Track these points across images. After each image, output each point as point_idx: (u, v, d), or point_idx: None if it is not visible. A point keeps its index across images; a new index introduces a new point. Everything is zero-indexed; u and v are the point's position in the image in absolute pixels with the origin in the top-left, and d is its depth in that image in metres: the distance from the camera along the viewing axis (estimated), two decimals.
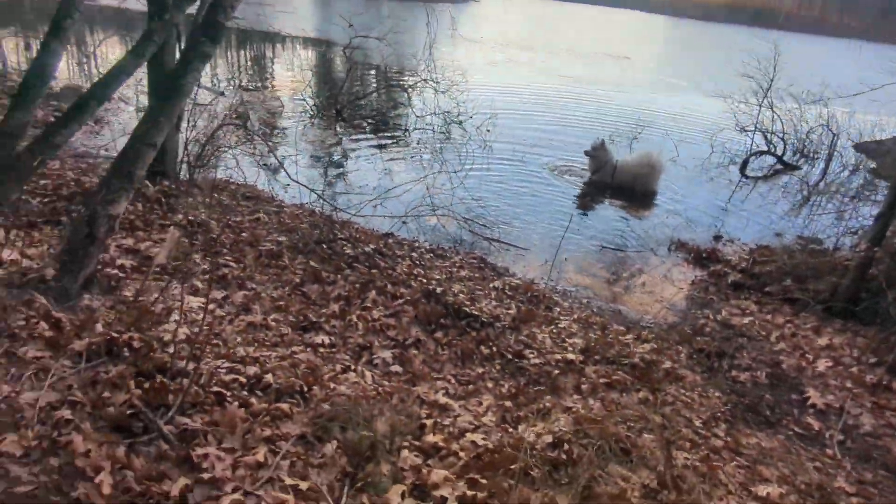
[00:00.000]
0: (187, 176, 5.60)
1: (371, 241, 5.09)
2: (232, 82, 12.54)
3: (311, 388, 2.74)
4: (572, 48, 29.61)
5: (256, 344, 3.16)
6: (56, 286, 2.91)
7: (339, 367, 3.09)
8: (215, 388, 2.47)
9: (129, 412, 2.15)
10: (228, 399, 2.44)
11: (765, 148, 10.77)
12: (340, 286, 4.07)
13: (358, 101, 11.75)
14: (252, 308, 3.60)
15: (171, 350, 2.62)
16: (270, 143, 6.71)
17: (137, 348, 2.53)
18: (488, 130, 10.08)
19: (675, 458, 2.67)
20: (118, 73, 4.85)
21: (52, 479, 1.84)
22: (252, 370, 2.76)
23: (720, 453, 2.93)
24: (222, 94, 10.54)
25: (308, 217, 5.45)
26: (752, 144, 10.72)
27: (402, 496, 2.17)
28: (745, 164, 10.23)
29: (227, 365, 2.74)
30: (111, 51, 13.04)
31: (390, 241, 5.40)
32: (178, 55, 5.88)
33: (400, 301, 3.93)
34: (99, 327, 2.65)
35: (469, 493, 2.17)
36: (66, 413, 2.06)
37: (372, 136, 9.98)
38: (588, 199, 7.94)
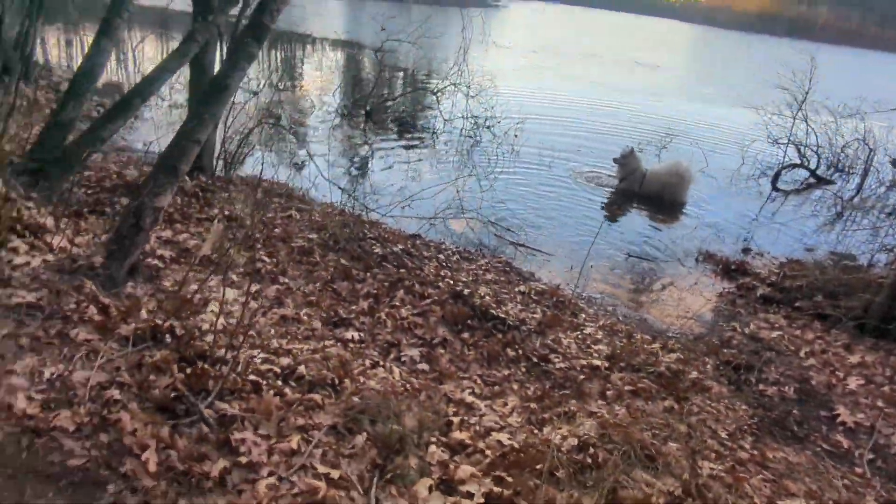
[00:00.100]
0: (223, 172, 5.76)
1: (399, 241, 5.17)
2: (265, 82, 12.82)
3: (342, 381, 2.81)
4: (602, 55, 29.46)
5: (289, 336, 3.25)
6: (103, 273, 3.04)
7: (368, 363, 3.16)
8: (252, 377, 2.56)
9: (172, 395, 2.24)
10: (264, 388, 2.53)
11: (798, 161, 10.57)
12: (370, 284, 4.16)
13: (387, 103, 11.90)
14: (285, 302, 3.70)
15: (211, 338, 2.73)
16: (305, 143, 6.84)
17: (180, 335, 2.63)
18: (516, 135, 10.11)
19: (701, 467, 2.67)
20: (162, 72, 5.05)
21: (102, 455, 1.94)
22: (285, 361, 2.85)
23: (746, 465, 2.92)
24: (256, 93, 10.79)
25: (338, 216, 5.55)
26: (784, 157, 10.54)
27: (430, 490, 2.22)
28: (776, 176, 10.06)
29: (262, 355, 2.83)
30: (149, 49, 13.46)
31: (417, 242, 5.47)
32: (218, 55, 6.09)
33: (428, 301, 4.00)
34: (143, 314, 2.77)
35: (496, 489, 2.21)
36: (114, 393, 2.17)
37: (400, 138, 10.10)
38: (615, 207, 7.91)
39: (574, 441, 2.61)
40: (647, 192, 8.11)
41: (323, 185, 6.38)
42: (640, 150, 8.91)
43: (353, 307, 3.80)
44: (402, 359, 3.34)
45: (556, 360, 3.61)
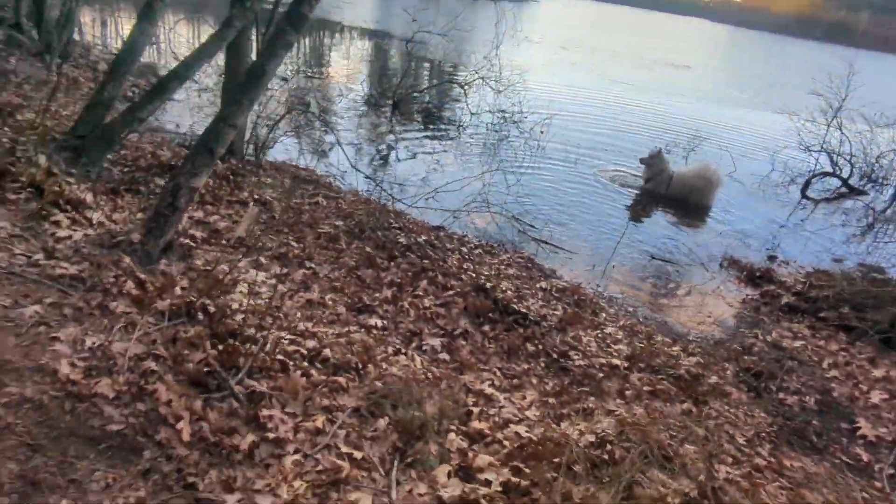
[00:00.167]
0: (253, 156, 5.86)
1: (423, 232, 5.21)
2: (295, 69, 12.93)
3: (365, 365, 2.88)
4: (632, 53, 29.06)
5: (315, 320, 3.32)
6: (140, 249, 3.14)
7: (390, 350, 3.22)
8: (279, 357, 2.63)
9: (205, 370, 2.33)
10: (291, 368, 2.60)
11: (830, 169, 10.34)
12: (393, 273, 4.21)
13: (414, 94, 11.92)
14: (311, 286, 3.78)
15: (241, 318, 2.81)
16: (332, 131, 6.92)
17: (212, 313, 2.72)
18: (542, 132, 10.06)
19: (717, 471, 2.68)
20: (199, 56, 5.15)
21: (139, 422, 2.03)
22: (311, 343, 2.92)
23: (763, 472, 2.92)
24: (286, 80, 10.91)
25: (363, 204, 5.62)
26: (816, 165, 10.31)
27: (449, 476, 2.28)
28: (807, 184, 9.86)
29: (289, 336, 2.90)
30: (181, 31, 13.67)
31: (441, 233, 5.51)
32: (253, 41, 6.17)
33: (450, 292, 4.04)
34: (178, 290, 2.86)
35: (513, 479, 2.25)
36: (151, 364, 2.25)
37: (426, 129, 10.13)
38: (640, 207, 7.85)
39: (592, 437, 2.64)
40: (673, 195, 8.03)
41: (349, 173, 6.45)
42: (667, 151, 8.81)
43: (377, 295, 3.86)
44: (424, 348, 3.39)
45: (576, 357, 3.63)
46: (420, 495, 2.14)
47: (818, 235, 7.74)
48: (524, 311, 3.97)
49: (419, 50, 12.35)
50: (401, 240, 4.79)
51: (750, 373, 4.06)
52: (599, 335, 4.06)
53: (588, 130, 11.11)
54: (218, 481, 1.91)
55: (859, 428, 3.66)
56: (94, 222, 3.46)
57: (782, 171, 10.20)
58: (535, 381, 3.32)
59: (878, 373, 4.32)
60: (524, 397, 3.08)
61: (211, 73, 10.03)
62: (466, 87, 11.47)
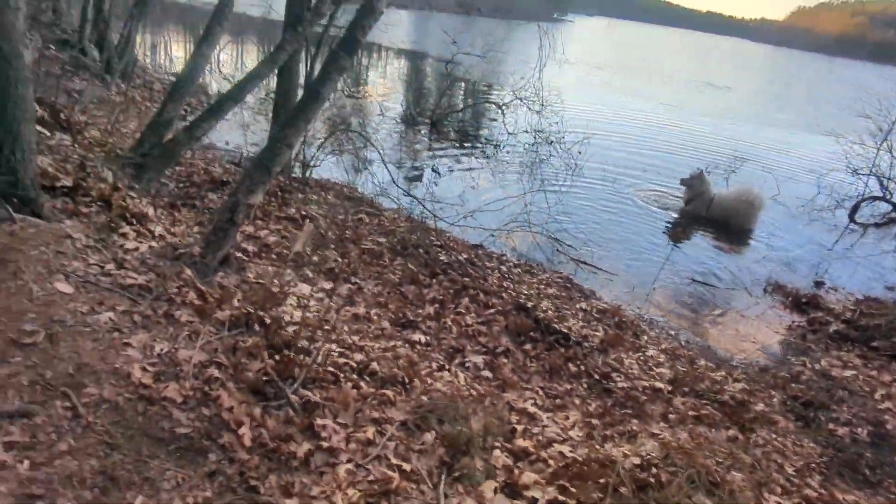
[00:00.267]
0: (300, 174, 6.07)
1: (463, 250, 5.29)
2: (337, 89, 13.33)
3: (411, 380, 2.94)
4: (670, 73, 28.83)
5: (361, 334, 3.42)
6: (199, 261, 3.30)
7: (434, 365, 3.28)
8: (330, 369, 2.72)
9: (263, 379, 2.43)
10: (342, 380, 2.69)
11: (879, 194, 10.00)
12: (435, 290, 4.29)
13: (452, 113, 12.12)
14: (356, 301, 3.89)
15: (294, 329, 2.92)
16: (373, 150, 7.11)
17: (268, 324, 2.84)
18: (580, 151, 10.08)
19: (767, 499, 2.63)
20: (253, 77, 5.41)
21: (204, 426, 2.14)
22: (359, 357, 3.01)
23: None
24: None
25: (405, 221, 5.74)
26: (865, 189, 10.00)
27: (495, 492, 2.30)
28: (855, 208, 9.56)
29: (338, 349, 3.00)
30: (229, 51, 14.25)
31: (480, 252, 5.58)
32: (303, 64, 6.43)
33: (491, 310, 4.09)
34: (236, 302, 3.00)
35: (560, 498, 2.27)
36: (214, 372, 2.37)
37: (464, 148, 10.28)
38: (680, 229, 7.76)
39: (637, 460, 2.62)
40: (714, 217, 7.92)
41: (390, 191, 6.60)
42: (707, 172, 8.71)
43: (420, 311, 3.94)
44: (467, 364, 3.44)
45: (618, 379, 3.62)
46: None
47: (868, 262, 7.49)
48: (565, 331, 3.99)
49: (456, 70, 12.58)
50: (442, 257, 4.87)
51: (798, 401, 3.95)
52: (641, 358, 4.03)
53: (626, 150, 11.07)
54: (277, 486, 2.00)
55: None
56: (157, 235, 3.65)
57: (828, 194, 9.91)
58: (577, 401, 3.32)
59: None
60: (567, 417, 3.09)
61: (255, 92, 10.43)
62: (504, 106, 11.60)
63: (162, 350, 2.41)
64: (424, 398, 2.79)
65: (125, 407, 2.09)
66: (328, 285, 4.02)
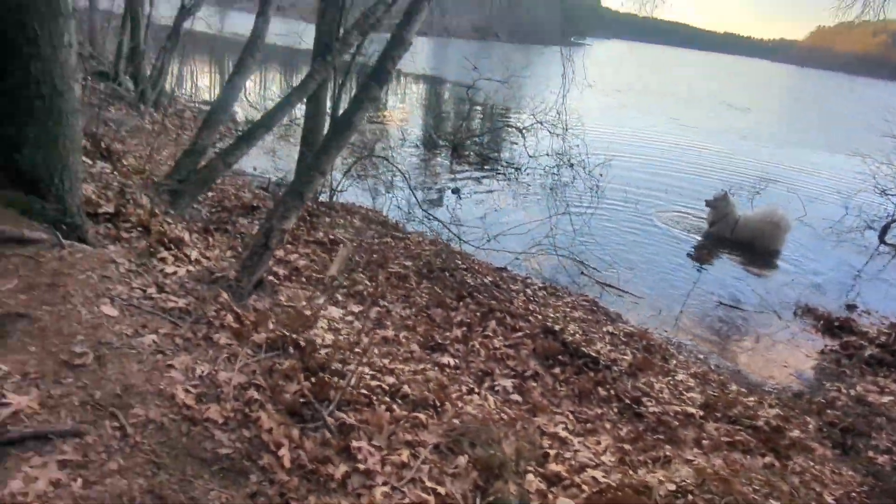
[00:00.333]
0: (328, 198, 6.21)
1: (488, 273, 5.33)
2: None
3: (442, 403, 2.96)
4: (689, 95, 28.84)
5: (390, 357, 3.45)
6: (235, 285, 3.40)
7: (464, 388, 3.30)
8: (363, 391, 2.76)
9: (300, 401, 2.48)
10: (375, 402, 2.72)
11: None
12: (462, 313, 4.32)
13: (473, 137, 12.28)
14: (384, 324, 3.93)
15: (326, 352, 2.97)
16: (396, 174, 7.24)
17: (303, 347, 2.90)
18: (601, 174, 10.10)
19: None
20: (284, 106, 5.59)
21: (245, 447, 2.19)
22: (390, 380, 3.04)
23: None
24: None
25: (430, 245, 5.81)
26: (895, 210, 9.81)
27: None
28: (885, 230, 9.37)
29: (370, 372, 3.04)
30: (255, 79, 14.70)
31: (504, 274, 5.61)
32: (330, 92, 6.63)
33: (519, 334, 4.10)
34: (270, 324, 3.07)
35: None
36: (253, 394, 2.43)
37: (485, 172, 10.39)
38: (705, 251, 7.69)
39: (672, 486, 2.60)
40: (739, 239, 7.84)
41: (414, 214, 6.71)
42: (731, 194, 8.65)
43: (448, 334, 3.97)
44: (496, 388, 3.45)
45: (649, 403, 3.58)
46: None
47: None
48: (594, 354, 3.97)
49: (476, 95, 12.77)
50: (468, 280, 4.91)
51: (835, 428, 3.86)
52: (671, 382, 3.99)
53: (647, 172, 11.07)
54: None
55: None
56: (193, 259, 3.76)
57: (857, 215, 9.75)
58: (608, 426, 3.29)
59: None
60: (598, 442, 3.07)
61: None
62: (524, 130, 11.71)
63: (203, 372, 2.47)
64: (456, 421, 2.81)
65: (170, 427, 2.14)
66: (357, 308, 4.08)
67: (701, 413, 3.58)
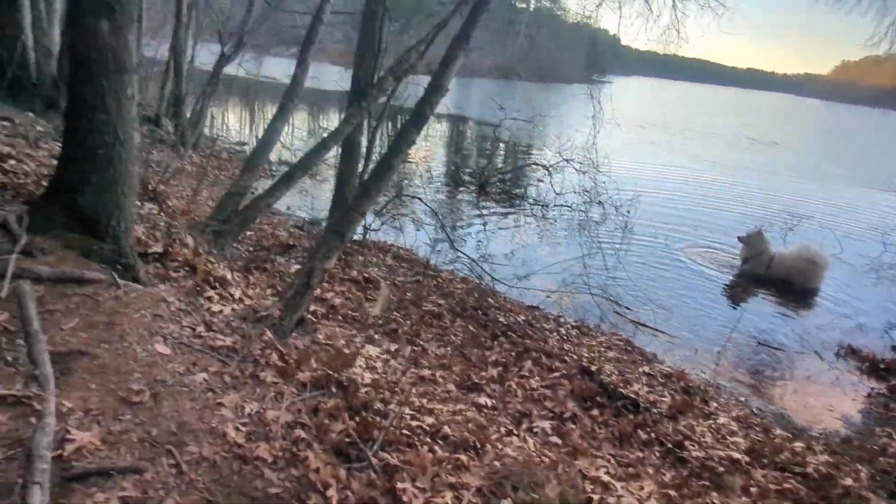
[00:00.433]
0: (361, 236, 6.34)
1: (521, 312, 5.34)
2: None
3: (482, 445, 2.95)
4: (714, 131, 28.80)
5: (428, 396, 3.47)
6: (278, 324, 3.48)
7: (503, 430, 3.28)
8: (405, 431, 2.78)
9: (346, 440, 2.51)
10: (416, 443, 2.73)
11: None
12: (497, 352, 4.32)
13: (499, 175, 12.45)
14: (420, 363, 3.96)
15: (367, 390, 3.01)
16: (426, 212, 7.37)
17: (346, 386, 2.94)
18: (628, 211, 10.10)
19: None
20: (321, 149, 5.79)
21: (293, 487, 2.22)
22: (429, 420, 3.05)
23: None
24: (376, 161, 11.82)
25: (461, 283, 5.85)
26: None
27: None
28: None
29: (409, 412, 3.06)
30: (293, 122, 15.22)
31: (536, 313, 5.60)
32: (365, 134, 6.86)
33: (555, 374, 4.07)
34: (313, 363, 3.13)
35: None
36: (300, 433, 2.47)
37: (512, 209, 10.48)
38: (739, 289, 7.56)
39: None
40: (774, 276, 7.70)
41: (445, 252, 6.79)
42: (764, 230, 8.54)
43: (484, 373, 3.97)
44: (535, 429, 3.42)
45: (692, 447, 3.49)
46: None
47: None
48: (633, 396, 3.91)
49: (501, 133, 13.01)
50: (501, 319, 4.92)
51: (889, 476, 3.70)
52: (713, 425, 3.89)
53: (675, 209, 11.03)
54: None
55: None
56: (236, 298, 3.87)
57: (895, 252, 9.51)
58: (651, 470, 3.22)
59: None
60: (642, 487, 3.00)
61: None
62: (551, 168, 11.84)
63: (252, 410, 2.53)
64: (497, 464, 2.79)
65: (222, 465, 2.19)
66: (393, 346, 4.12)
67: (747, 459, 3.48)
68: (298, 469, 2.29)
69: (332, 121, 18.72)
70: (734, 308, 6.90)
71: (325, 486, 2.24)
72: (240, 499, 2.09)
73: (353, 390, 2.92)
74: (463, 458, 2.75)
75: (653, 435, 3.58)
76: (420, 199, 6.45)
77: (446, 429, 2.96)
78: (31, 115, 5.66)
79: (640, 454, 3.39)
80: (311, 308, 4.34)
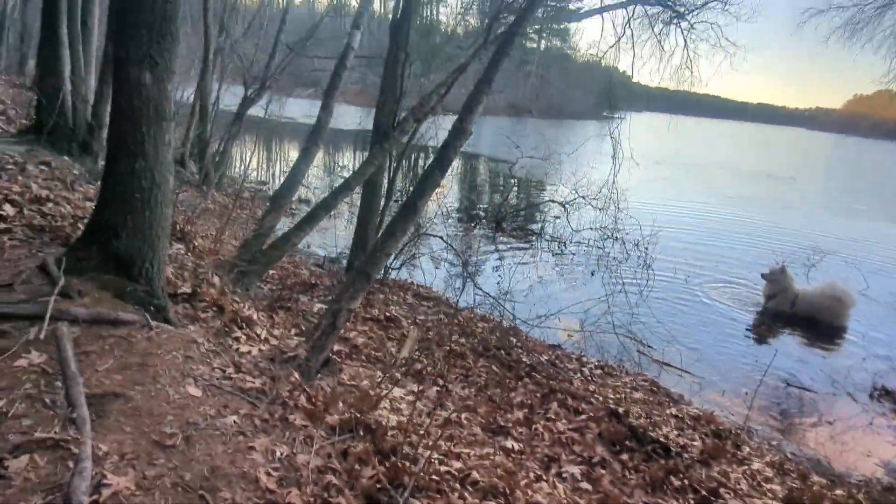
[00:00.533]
0: (382, 275, 6.38)
1: (543, 351, 5.28)
2: (403, 190, 14.17)
3: (512, 491, 2.89)
4: (729, 165, 28.81)
5: (454, 440, 3.42)
6: (304, 365, 3.49)
7: (531, 475, 3.21)
8: (434, 476, 2.74)
9: (377, 486, 2.48)
10: (446, 489, 2.69)
11: None
12: (522, 393, 4.27)
13: (516, 212, 12.52)
14: (445, 404, 3.92)
15: (395, 433, 2.98)
16: (445, 250, 7.42)
17: (374, 429, 2.92)
18: (646, 247, 10.06)
19: None
20: (344, 189, 5.91)
21: None
22: (457, 464, 3.00)
23: None
24: (397, 201, 11.99)
25: (482, 321, 5.83)
26: None
27: None
28: None
29: (437, 456, 3.01)
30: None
31: (558, 352, 5.54)
32: (386, 174, 6.99)
33: (582, 416, 4.00)
34: (341, 405, 3.12)
35: None
36: (331, 478, 2.44)
37: (529, 245, 10.49)
38: (764, 327, 7.42)
39: None
40: (799, 314, 7.56)
41: (464, 290, 6.77)
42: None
43: (509, 416, 3.91)
44: (564, 475, 3.34)
45: (727, 495, 3.38)
46: None
47: None
48: (663, 440, 3.82)
49: (516, 170, 13.15)
50: (524, 359, 4.88)
51: None
52: (747, 471, 3.77)
53: (694, 245, 10.97)
54: None
55: None
56: (262, 338, 3.90)
57: None
58: None
59: None
60: None
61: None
62: (567, 205, 11.89)
63: (282, 454, 2.52)
64: None
65: None
66: (417, 387, 4.09)
67: None
68: None
69: (347, 158, 19.12)
70: (760, 347, 6.76)
71: None
72: None
73: (382, 434, 2.89)
74: None
75: (686, 481, 3.48)
76: (441, 238, 6.52)
77: (475, 474, 2.91)
78: (67, 158, 5.88)
79: (675, 502, 3.29)
80: (335, 348, 4.35)
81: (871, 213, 17.68)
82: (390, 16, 7.14)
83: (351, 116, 17.80)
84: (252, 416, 2.77)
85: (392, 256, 6.12)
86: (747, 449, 4.23)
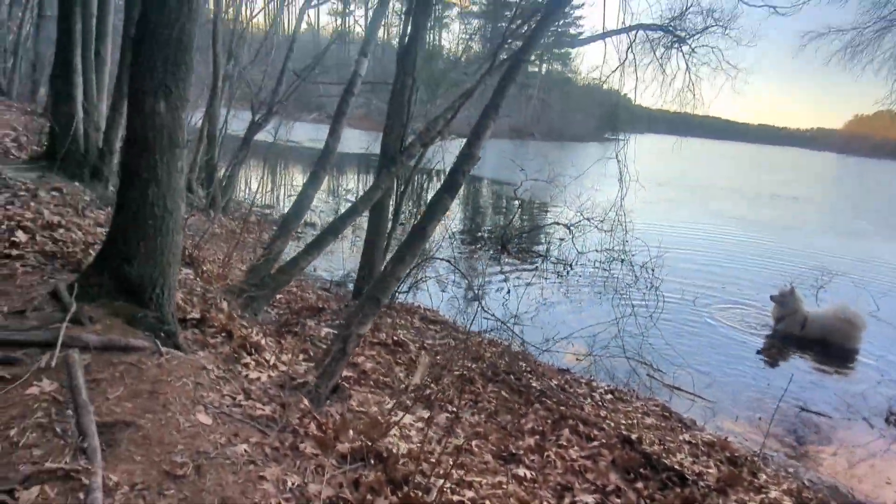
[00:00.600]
0: (389, 299, 6.36)
1: (553, 376, 5.23)
2: (407, 215, 14.23)
3: None
4: (733, 187, 28.87)
5: (465, 468, 3.36)
6: (313, 391, 3.46)
7: None
8: None
9: None
10: None
11: None
12: (532, 419, 4.21)
13: (520, 234, 12.53)
14: (455, 431, 3.87)
15: (405, 462, 2.94)
16: (451, 272, 7.41)
17: (386, 458, 2.87)
18: (653, 269, 10.01)
19: None
20: (351, 213, 5.93)
21: None
22: (469, 494, 2.95)
23: None
24: (403, 224, 12.02)
25: (489, 345, 5.79)
26: None
27: None
28: None
29: (448, 485, 2.96)
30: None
31: (568, 377, 5.48)
32: (393, 198, 7.03)
33: (595, 443, 3.94)
34: (351, 433, 3.08)
35: None
36: None
37: (534, 268, 10.47)
38: (774, 350, 7.34)
39: None
40: (809, 337, 7.48)
41: (469, 313, 6.75)
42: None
43: (520, 443, 3.85)
44: None
45: None
46: None
47: None
48: (678, 467, 3.75)
49: (521, 193, 13.19)
50: (534, 384, 4.83)
51: None
52: (765, 500, 3.69)
53: (700, 267, 10.93)
54: None
55: None
56: (271, 364, 3.88)
57: None
58: None
59: None
60: None
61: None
62: (572, 227, 11.89)
63: (293, 483, 2.48)
64: None
65: None
66: (426, 413, 4.04)
67: None
68: None
69: (351, 182, 19.26)
70: (771, 371, 6.68)
71: None
72: None
73: (393, 462, 2.85)
74: None
75: None
76: (449, 262, 6.52)
77: None
78: (78, 184, 5.93)
79: None
80: (344, 373, 4.31)
81: (878, 234, 17.62)
82: (394, 41, 7.26)
83: (356, 140, 17.99)
84: (262, 444, 2.73)
85: (401, 280, 6.11)
86: (764, 476, 4.14)
